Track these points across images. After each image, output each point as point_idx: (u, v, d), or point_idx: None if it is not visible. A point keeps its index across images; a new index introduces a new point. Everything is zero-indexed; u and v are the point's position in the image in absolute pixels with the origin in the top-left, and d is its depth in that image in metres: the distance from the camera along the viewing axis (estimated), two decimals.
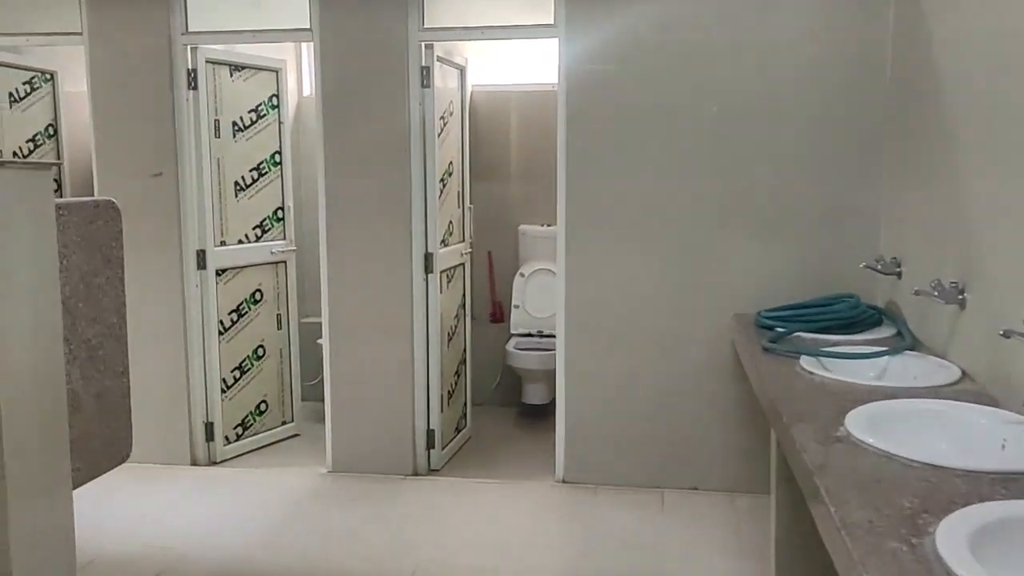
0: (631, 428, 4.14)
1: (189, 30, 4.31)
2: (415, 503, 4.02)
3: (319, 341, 4.59)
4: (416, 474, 4.34)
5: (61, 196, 5.18)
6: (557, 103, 4.05)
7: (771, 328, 3.33)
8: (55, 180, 5.16)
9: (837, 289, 3.73)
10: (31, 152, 4.94)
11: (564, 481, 4.21)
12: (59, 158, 5.20)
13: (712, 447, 4.09)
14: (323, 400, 4.41)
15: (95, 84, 4.37)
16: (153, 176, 4.34)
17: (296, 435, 5.03)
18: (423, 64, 4.18)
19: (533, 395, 5.27)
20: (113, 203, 3.19)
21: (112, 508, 3.90)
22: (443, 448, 4.50)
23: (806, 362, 2.73)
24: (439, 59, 4.30)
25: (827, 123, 3.85)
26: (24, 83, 4.92)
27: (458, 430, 4.82)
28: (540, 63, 5.21)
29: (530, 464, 4.51)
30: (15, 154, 4.79)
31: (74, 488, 2.99)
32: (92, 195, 4.41)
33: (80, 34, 4.35)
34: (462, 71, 4.79)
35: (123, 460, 3.27)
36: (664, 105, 3.96)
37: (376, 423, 4.32)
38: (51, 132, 5.13)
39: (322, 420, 4.44)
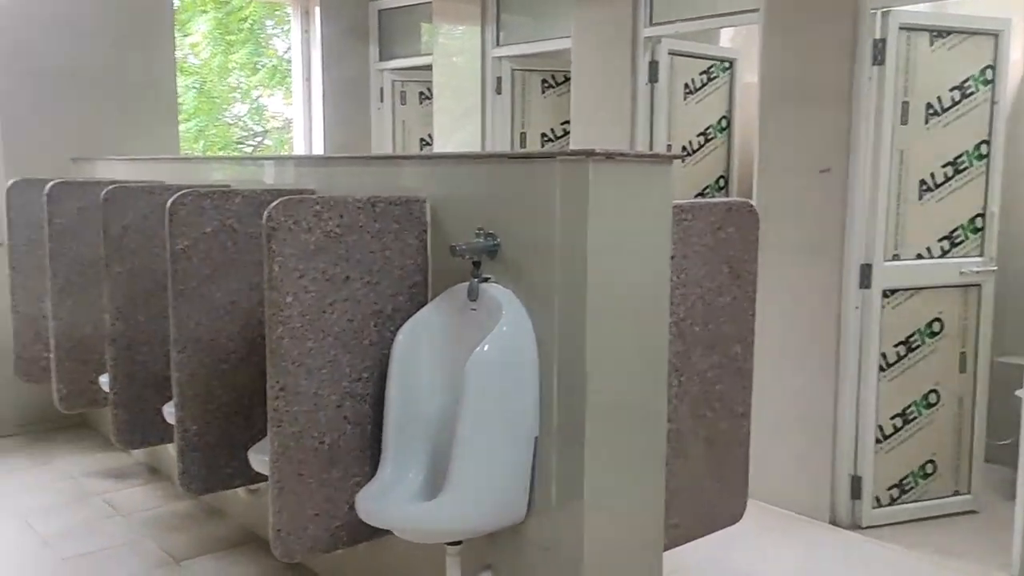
0: None
1: None
2: None
3: (1018, 393, 3.39)
4: None
5: (727, 197, 4.85)
6: None
7: None
8: (722, 178, 4.84)
9: None
10: (700, 147, 4.69)
11: None
12: (729, 154, 4.86)
13: None
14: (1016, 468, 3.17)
15: (767, 66, 3.83)
16: (820, 172, 3.64)
17: (972, 511, 3.85)
18: None
19: None
20: (750, 206, 2.56)
21: (731, 554, 3.35)
22: None
23: None
24: None
25: None
26: (701, 73, 4.68)
27: None
28: None
29: None
30: (684, 148, 4.58)
31: (669, 548, 2.50)
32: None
33: (756, 10, 3.87)
34: None
35: (733, 521, 2.64)
36: None
37: None
38: (723, 125, 4.82)
39: (1012, 496, 3.21)
